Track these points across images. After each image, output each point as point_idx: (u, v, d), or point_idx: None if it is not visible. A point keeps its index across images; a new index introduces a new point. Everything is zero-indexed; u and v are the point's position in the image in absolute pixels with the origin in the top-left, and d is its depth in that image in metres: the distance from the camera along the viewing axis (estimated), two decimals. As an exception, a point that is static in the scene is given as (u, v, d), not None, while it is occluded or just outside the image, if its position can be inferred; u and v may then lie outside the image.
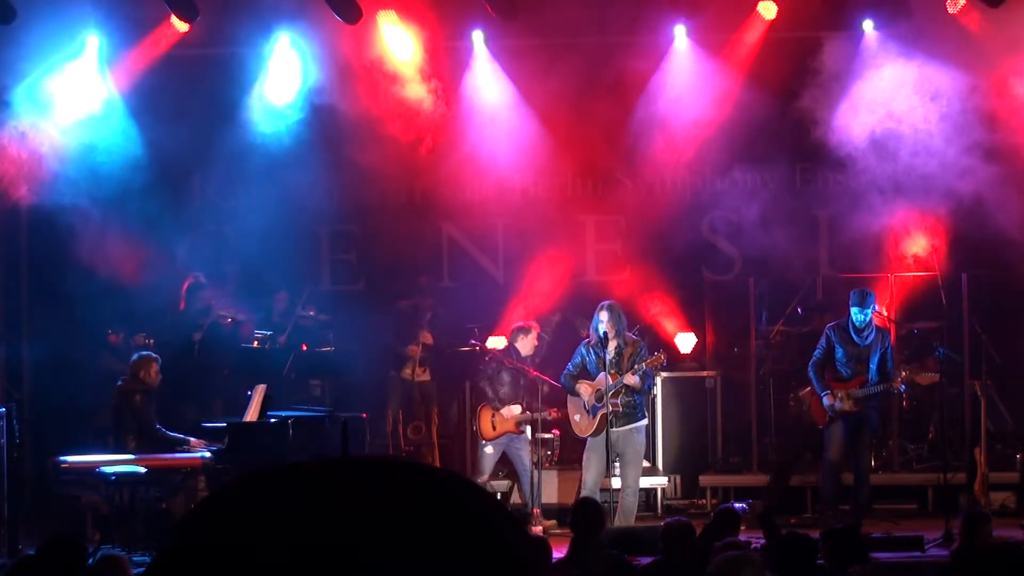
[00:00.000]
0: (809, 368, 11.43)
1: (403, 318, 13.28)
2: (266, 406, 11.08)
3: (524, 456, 11.73)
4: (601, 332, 10.83)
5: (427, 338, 13.11)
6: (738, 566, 5.95)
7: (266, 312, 13.14)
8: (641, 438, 11.09)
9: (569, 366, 11.18)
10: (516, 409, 11.68)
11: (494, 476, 12.14)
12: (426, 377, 13.13)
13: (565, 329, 12.98)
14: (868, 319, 11.11)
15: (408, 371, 13.07)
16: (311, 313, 13.10)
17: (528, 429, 11.73)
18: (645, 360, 10.86)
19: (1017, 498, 12.11)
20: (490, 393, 11.81)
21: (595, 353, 10.95)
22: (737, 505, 9.70)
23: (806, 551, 6.79)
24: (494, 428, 11.77)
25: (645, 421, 11.17)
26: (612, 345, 10.85)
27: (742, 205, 13.07)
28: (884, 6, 12.88)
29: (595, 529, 7.45)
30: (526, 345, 11.81)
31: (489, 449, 11.80)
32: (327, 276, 14.20)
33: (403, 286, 13.61)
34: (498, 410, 11.72)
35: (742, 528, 8.63)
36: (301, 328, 12.84)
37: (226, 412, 11.75)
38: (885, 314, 11.79)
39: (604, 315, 10.85)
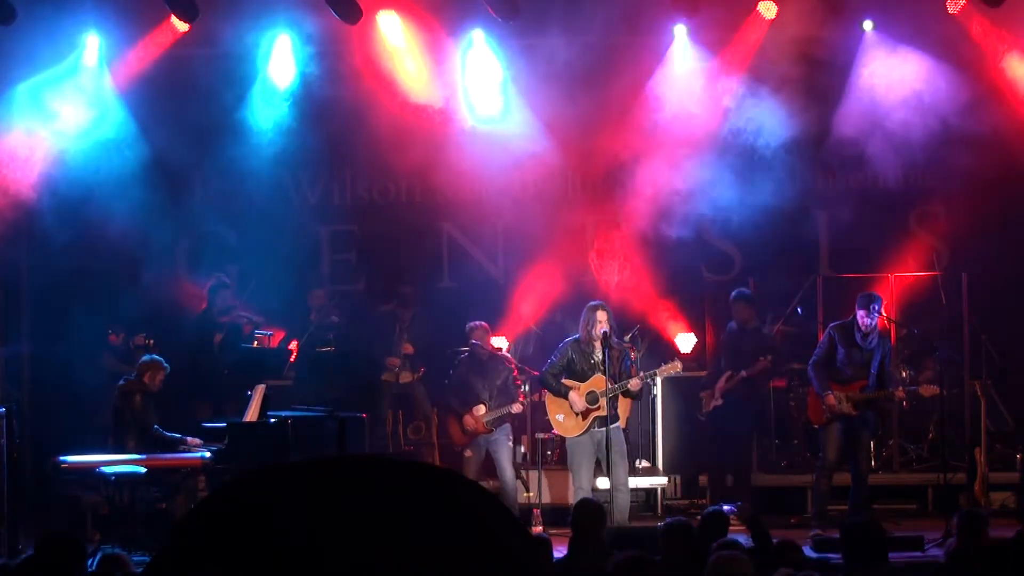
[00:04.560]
0: (809, 367, 11.42)
1: (383, 324, 13.25)
2: (266, 406, 11.09)
3: (501, 456, 11.58)
4: (601, 332, 10.68)
5: (408, 349, 13.11)
6: (733, 566, 5.97)
7: (303, 309, 13.16)
8: (622, 436, 10.93)
9: (552, 363, 10.92)
10: (480, 410, 11.64)
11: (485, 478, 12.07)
12: (411, 378, 13.10)
13: (555, 329, 12.97)
14: (874, 323, 11.09)
15: (391, 375, 13.06)
16: (334, 319, 13.20)
17: (504, 428, 11.64)
18: (633, 364, 10.79)
19: (1017, 498, 12.10)
20: (454, 403, 11.77)
21: (586, 353, 10.77)
22: (726, 507, 9.70)
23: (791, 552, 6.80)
24: (464, 433, 11.74)
25: (619, 421, 11.10)
26: (598, 346, 10.71)
27: (742, 205, 13.06)
28: (884, 5, 12.89)
29: (595, 529, 7.45)
30: (481, 340, 11.73)
31: (468, 453, 11.77)
32: (327, 276, 14.20)
33: (396, 289, 13.56)
34: (462, 416, 11.71)
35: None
36: (322, 328, 12.93)
37: (234, 412, 11.77)
38: (884, 315, 11.77)
39: (603, 315, 10.67)
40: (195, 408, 12.01)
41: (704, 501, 12.54)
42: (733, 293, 12.53)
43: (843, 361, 11.20)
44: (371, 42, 13.16)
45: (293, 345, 12.93)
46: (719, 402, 12.29)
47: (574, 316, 13.03)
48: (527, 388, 12.02)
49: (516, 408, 11.56)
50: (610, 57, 12.95)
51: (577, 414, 10.74)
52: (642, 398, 11.37)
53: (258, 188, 13.57)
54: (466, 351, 11.89)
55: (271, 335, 12.81)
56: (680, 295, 13.30)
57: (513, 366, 11.83)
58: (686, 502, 12.68)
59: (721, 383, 12.29)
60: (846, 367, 11.20)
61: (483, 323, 11.83)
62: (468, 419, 11.57)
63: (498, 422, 11.59)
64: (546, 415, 11.20)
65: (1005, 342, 12.67)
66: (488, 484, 11.85)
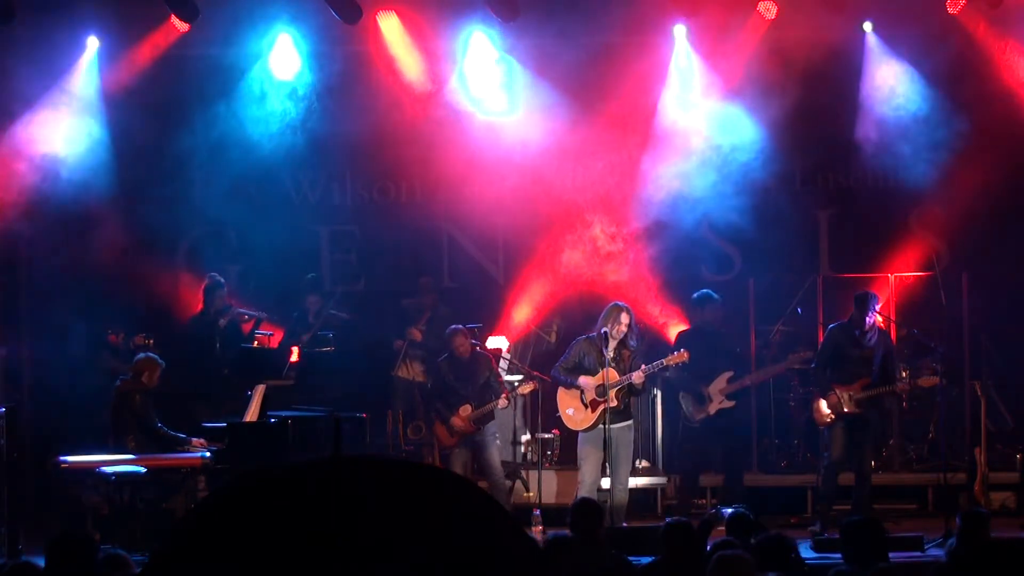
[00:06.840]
0: (814, 369, 11.43)
1: (404, 316, 13.29)
2: (266, 406, 11.09)
3: (491, 455, 11.61)
4: (622, 333, 10.72)
5: (415, 335, 13.09)
6: (735, 566, 5.97)
7: (301, 314, 13.16)
8: (632, 436, 11.04)
9: (564, 358, 11.02)
10: (466, 410, 11.62)
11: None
12: (423, 377, 13.10)
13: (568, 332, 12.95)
14: (872, 321, 11.11)
15: (403, 369, 13.05)
16: (342, 315, 13.20)
17: (491, 427, 11.67)
18: (644, 363, 10.81)
19: (1017, 498, 12.11)
20: (440, 406, 11.77)
21: (597, 349, 10.79)
22: (724, 510, 9.69)
23: (783, 550, 6.77)
24: (452, 435, 11.75)
25: (632, 420, 11.15)
26: (613, 344, 10.81)
27: (742, 205, 13.06)
28: (884, 6, 12.89)
29: (594, 529, 7.44)
30: (461, 346, 11.70)
31: (456, 450, 11.80)
32: (327, 276, 14.19)
33: (404, 286, 13.58)
34: (448, 419, 11.72)
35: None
36: (328, 327, 12.92)
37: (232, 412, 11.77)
38: (880, 315, 11.78)
39: (626, 317, 10.75)
40: (196, 409, 12.00)
41: (703, 501, 12.54)
42: (699, 295, 12.36)
43: (845, 360, 11.21)
44: (371, 42, 13.17)
45: (295, 353, 12.87)
46: (729, 404, 12.09)
47: (571, 317, 13.07)
48: (514, 384, 12.01)
49: (501, 403, 11.62)
50: (610, 58, 12.97)
51: (586, 406, 10.81)
52: (645, 393, 11.37)
53: (258, 188, 13.57)
54: (445, 356, 11.91)
55: (271, 335, 12.80)
56: (680, 295, 13.28)
57: (494, 363, 11.88)
58: (674, 501, 12.61)
59: (723, 384, 12.12)
60: (848, 366, 11.21)
61: (460, 327, 11.84)
62: (456, 420, 11.61)
63: (484, 419, 11.63)
64: (553, 414, 11.28)
65: (1005, 342, 12.67)
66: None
